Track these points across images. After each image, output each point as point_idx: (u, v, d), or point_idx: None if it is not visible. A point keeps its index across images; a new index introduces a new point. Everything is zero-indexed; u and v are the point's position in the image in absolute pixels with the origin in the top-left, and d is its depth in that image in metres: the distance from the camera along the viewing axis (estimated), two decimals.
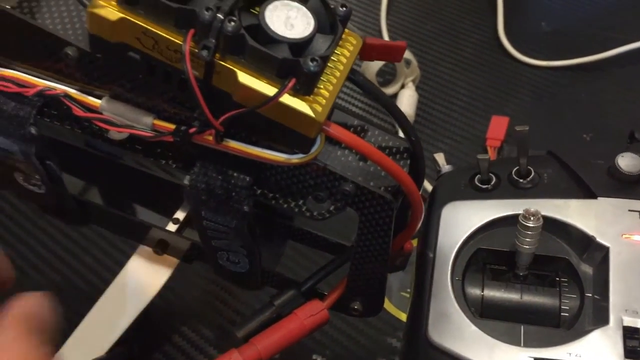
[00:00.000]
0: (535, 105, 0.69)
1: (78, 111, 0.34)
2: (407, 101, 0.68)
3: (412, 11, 0.78)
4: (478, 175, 0.42)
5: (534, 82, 0.71)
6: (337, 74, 0.30)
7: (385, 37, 0.75)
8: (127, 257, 0.56)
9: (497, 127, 0.65)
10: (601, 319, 0.35)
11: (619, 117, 0.67)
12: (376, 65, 0.67)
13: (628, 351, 0.34)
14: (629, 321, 0.34)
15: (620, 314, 0.35)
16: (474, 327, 0.36)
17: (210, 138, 0.31)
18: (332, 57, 0.31)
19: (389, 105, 0.33)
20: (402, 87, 0.69)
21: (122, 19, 0.28)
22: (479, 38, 0.76)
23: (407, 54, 0.68)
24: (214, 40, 0.27)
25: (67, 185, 0.42)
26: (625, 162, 0.39)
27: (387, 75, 0.71)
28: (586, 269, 0.37)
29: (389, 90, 0.69)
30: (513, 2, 0.78)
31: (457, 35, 0.76)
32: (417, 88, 0.69)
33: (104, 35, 0.29)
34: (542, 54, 0.73)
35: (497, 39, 0.75)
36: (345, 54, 0.31)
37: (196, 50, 0.27)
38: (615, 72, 0.72)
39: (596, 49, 0.72)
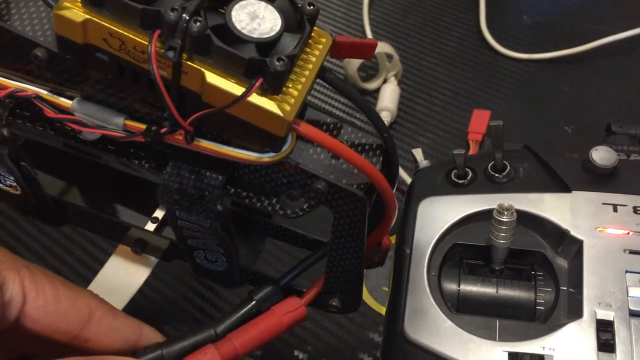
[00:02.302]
0: (517, 98, 0.69)
1: (50, 112, 0.33)
2: (389, 96, 0.67)
3: (394, 6, 0.78)
4: (454, 171, 0.42)
5: (516, 75, 0.71)
6: (307, 72, 0.30)
7: (368, 31, 0.75)
8: (109, 255, 0.56)
9: (479, 120, 0.65)
10: (575, 312, 0.35)
11: (601, 109, 0.67)
12: (358, 60, 0.67)
13: (601, 344, 0.34)
14: (602, 314, 0.34)
15: (593, 307, 0.35)
16: (449, 322, 0.36)
17: (181, 138, 0.31)
18: (302, 56, 0.31)
19: (361, 102, 0.33)
20: (385, 81, 0.69)
21: (87, 20, 0.28)
22: (461, 32, 0.75)
23: (389, 49, 0.68)
24: (179, 41, 0.27)
25: (45, 186, 0.42)
26: (599, 155, 0.39)
27: (370, 70, 0.71)
28: (561, 263, 0.38)
29: (372, 85, 0.69)
30: None
31: (439, 29, 0.76)
32: (400, 82, 0.69)
33: (70, 36, 0.29)
34: (524, 47, 0.73)
35: (479, 32, 0.75)
36: (315, 52, 0.31)
37: (162, 51, 0.27)
38: (597, 64, 0.72)
39: (578, 41, 0.72)
